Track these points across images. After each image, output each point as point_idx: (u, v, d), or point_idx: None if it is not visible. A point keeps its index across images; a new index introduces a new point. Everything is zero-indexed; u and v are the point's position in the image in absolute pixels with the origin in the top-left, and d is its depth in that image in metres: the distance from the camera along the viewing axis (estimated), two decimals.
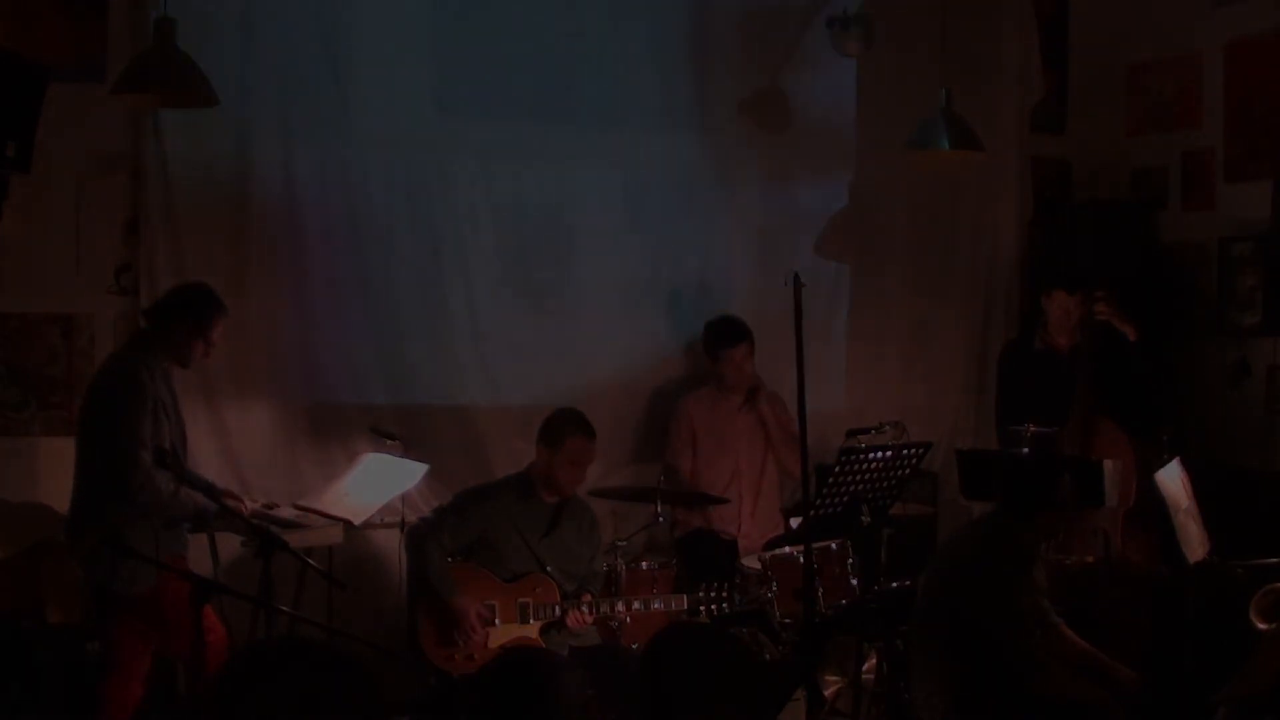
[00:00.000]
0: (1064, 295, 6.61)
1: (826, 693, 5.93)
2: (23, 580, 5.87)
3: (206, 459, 6.22)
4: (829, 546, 6.00)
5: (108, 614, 5.33)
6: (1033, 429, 6.17)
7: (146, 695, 5.42)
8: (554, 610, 5.62)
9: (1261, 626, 5.36)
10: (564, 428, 5.78)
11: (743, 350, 6.68)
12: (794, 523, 6.56)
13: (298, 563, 5.16)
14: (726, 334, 6.72)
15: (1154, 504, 5.52)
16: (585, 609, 5.70)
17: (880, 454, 5.75)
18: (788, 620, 5.92)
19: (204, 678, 4.81)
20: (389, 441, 6.31)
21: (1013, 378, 6.90)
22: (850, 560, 6.04)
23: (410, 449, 6.30)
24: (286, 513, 5.96)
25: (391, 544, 6.33)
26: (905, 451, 5.82)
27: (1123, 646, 5.36)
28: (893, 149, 7.06)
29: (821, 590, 5.79)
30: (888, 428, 6.52)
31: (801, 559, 5.55)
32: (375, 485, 6.13)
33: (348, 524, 5.97)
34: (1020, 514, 5.13)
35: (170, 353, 5.45)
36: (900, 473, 5.83)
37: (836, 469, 5.70)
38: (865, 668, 5.88)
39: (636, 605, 5.68)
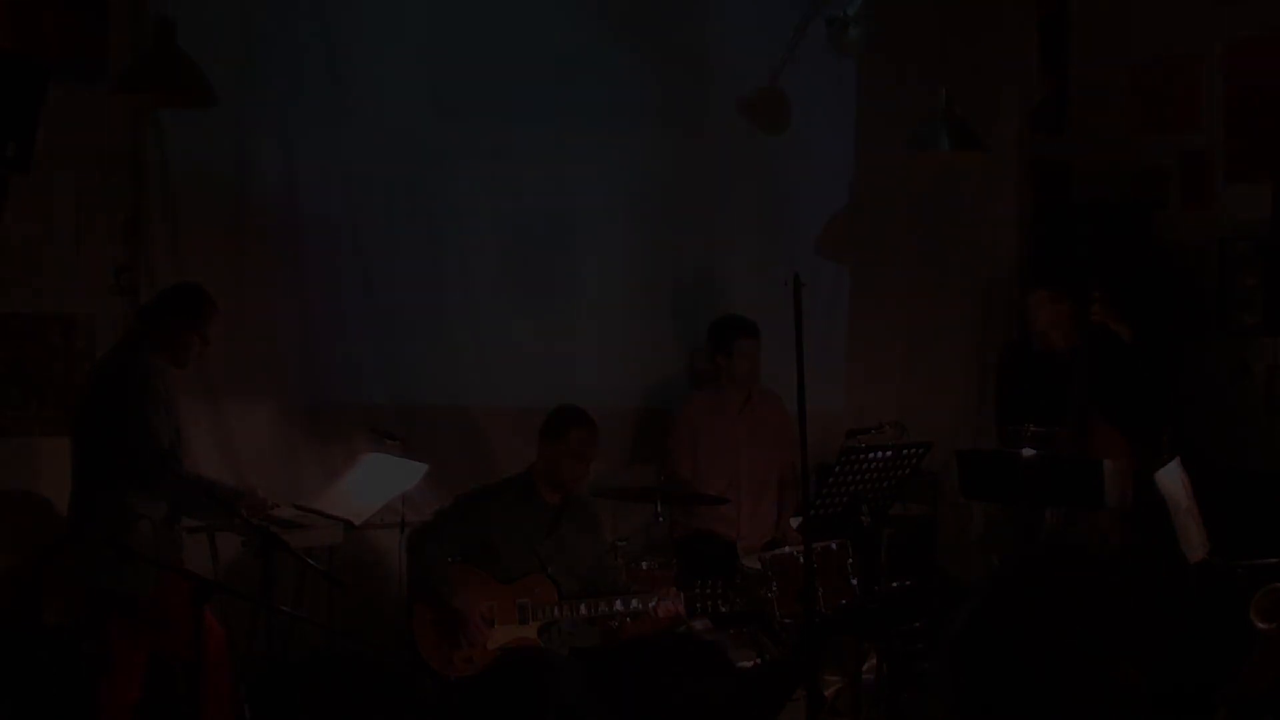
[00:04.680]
0: (1041, 294, 6.64)
1: (826, 693, 5.93)
2: (21, 581, 5.88)
3: (207, 459, 6.23)
4: (829, 546, 6.00)
5: (106, 615, 5.33)
6: (1032, 429, 6.18)
7: (145, 696, 5.42)
8: (552, 611, 5.62)
9: (1261, 626, 5.36)
10: (567, 421, 5.78)
11: (757, 343, 6.69)
12: (794, 522, 6.56)
13: (298, 563, 5.16)
14: (743, 326, 6.73)
15: (1154, 504, 5.52)
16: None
17: (880, 454, 5.74)
18: (788, 620, 5.91)
19: (203, 678, 4.82)
20: (389, 441, 6.32)
21: (1012, 378, 6.91)
22: (850, 560, 6.04)
23: (410, 449, 6.30)
24: (286, 513, 5.96)
25: (391, 544, 6.33)
26: (905, 451, 5.82)
27: (1121, 646, 5.36)
28: (893, 149, 7.06)
29: (821, 590, 5.79)
30: (888, 428, 6.53)
31: (801, 559, 5.55)
32: (375, 485, 6.13)
33: (348, 524, 5.97)
34: None
35: (166, 351, 5.45)
36: (900, 473, 5.83)
37: (836, 469, 5.70)
38: (865, 668, 5.88)
39: (636, 604, 5.68)
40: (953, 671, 5.30)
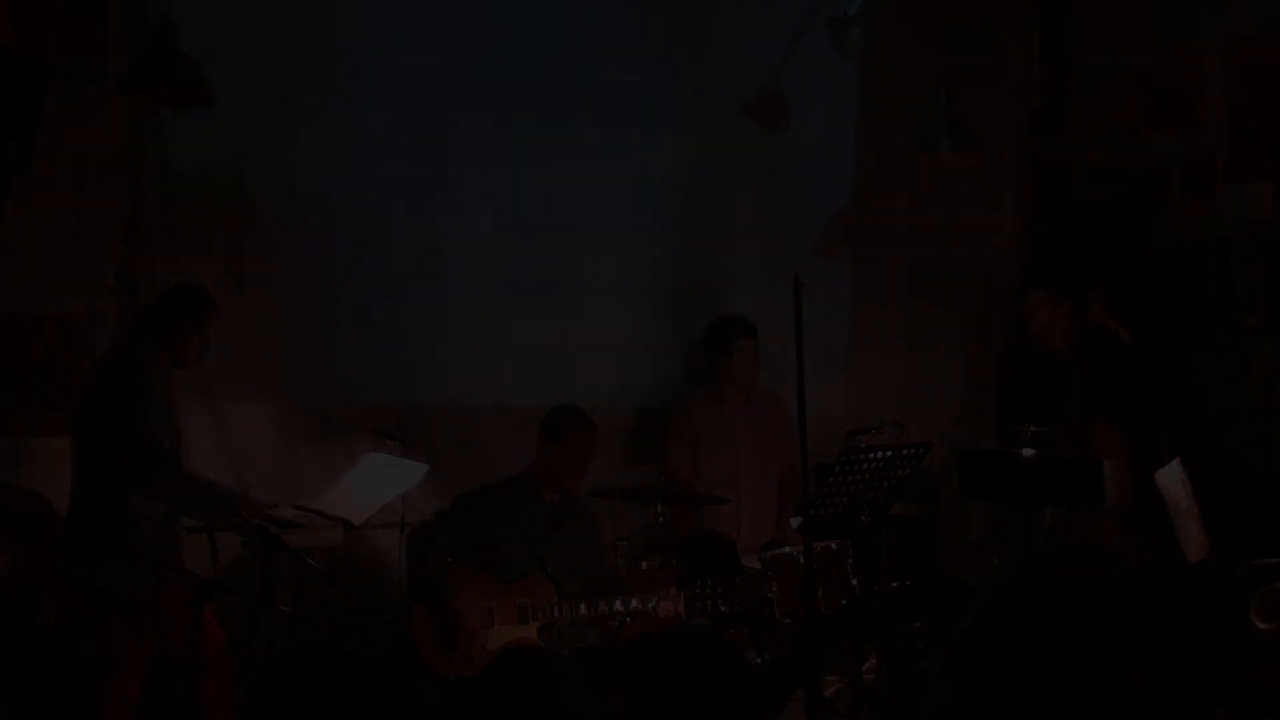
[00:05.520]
0: (1041, 295, 6.63)
1: (826, 693, 5.93)
2: (21, 581, 5.88)
3: (206, 459, 6.22)
4: (829, 546, 6.00)
5: (106, 615, 5.33)
6: (1032, 429, 6.18)
7: (145, 696, 5.42)
8: (552, 611, 5.62)
9: (1261, 626, 5.36)
10: (566, 422, 5.79)
11: (755, 343, 6.70)
12: (794, 522, 6.56)
13: (298, 563, 5.16)
14: (741, 326, 6.74)
15: (1154, 504, 5.52)
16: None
17: (880, 454, 5.74)
18: (788, 620, 5.91)
19: (203, 678, 4.82)
20: (389, 441, 6.31)
21: (1012, 378, 6.90)
22: (850, 560, 6.04)
23: (410, 449, 6.30)
24: (286, 513, 5.95)
25: (391, 544, 6.33)
26: (905, 451, 5.82)
27: (1122, 646, 5.36)
28: (893, 149, 7.06)
29: (821, 590, 5.79)
30: (888, 428, 6.53)
31: (802, 559, 5.54)
32: (375, 485, 6.13)
33: (348, 524, 5.97)
34: None
35: (166, 351, 5.46)
36: (900, 473, 5.83)
37: (836, 469, 5.70)
38: (865, 668, 5.88)
39: (636, 604, 5.68)
40: (954, 671, 5.31)
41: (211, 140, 6.36)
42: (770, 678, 5.88)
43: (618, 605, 5.67)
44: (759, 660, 5.92)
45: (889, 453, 5.77)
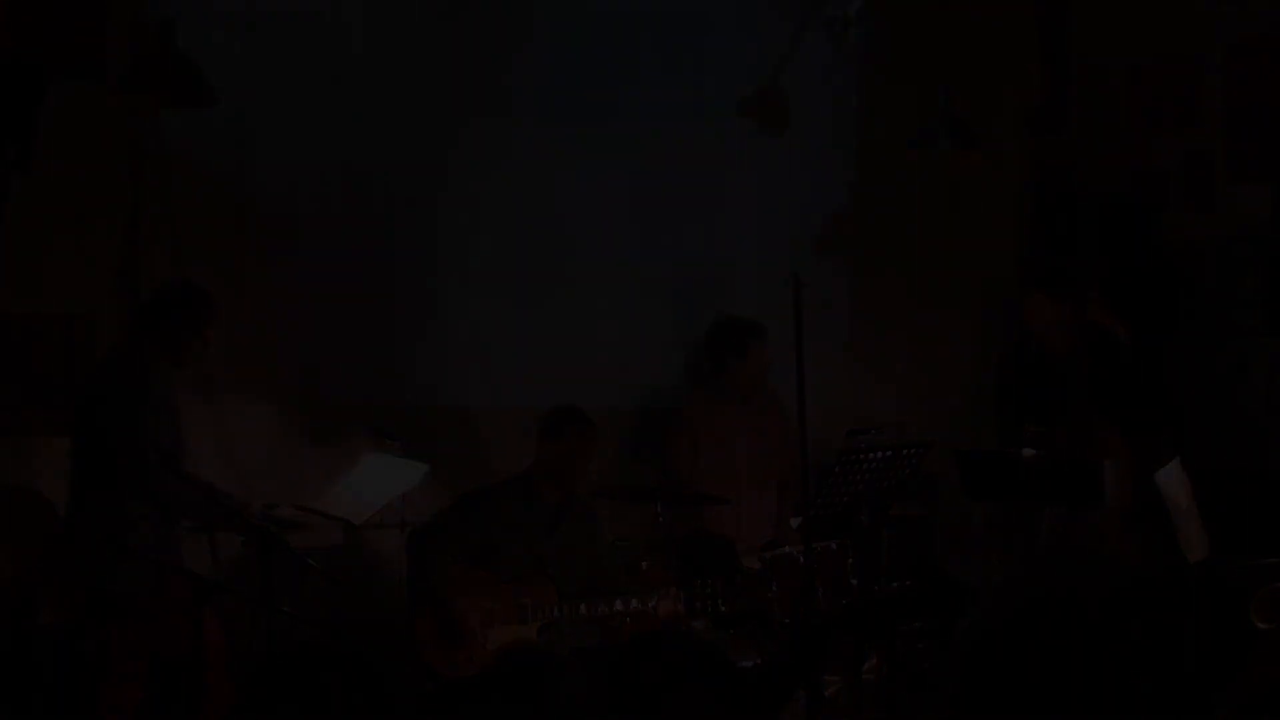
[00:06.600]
0: (1041, 296, 6.62)
1: (827, 693, 5.93)
2: (21, 581, 5.88)
3: (206, 459, 6.22)
4: (829, 546, 6.00)
5: (105, 615, 5.33)
6: (1032, 429, 6.17)
7: (145, 696, 5.42)
8: (552, 611, 5.62)
9: (1261, 626, 5.36)
10: (566, 421, 5.81)
11: (766, 346, 6.69)
12: (794, 522, 6.56)
13: (298, 563, 5.16)
14: (753, 329, 6.71)
15: (1154, 504, 5.52)
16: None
17: (880, 454, 5.74)
18: (788, 620, 5.91)
19: (203, 678, 4.82)
20: (389, 441, 6.31)
21: (1012, 378, 6.90)
22: (850, 560, 6.04)
23: (410, 449, 6.30)
24: (286, 513, 5.95)
25: (391, 544, 6.33)
26: (905, 451, 5.82)
27: (1122, 646, 5.36)
28: (893, 149, 7.06)
29: (821, 590, 5.79)
30: (888, 428, 6.53)
31: (802, 559, 5.55)
32: (375, 485, 6.13)
33: (348, 524, 5.97)
34: None
35: (166, 351, 5.46)
36: (900, 473, 5.83)
37: (836, 469, 5.70)
38: (865, 668, 5.88)
39: (636, 604, 5.68)
40: (957, 671, 5.31)
41: (211, 140, 6.37)
42: (770, 678, 5.88)
43: (618, 605, 5.67)
44: (759, 660, 5.93)
45: (889, 453, 5.77)
